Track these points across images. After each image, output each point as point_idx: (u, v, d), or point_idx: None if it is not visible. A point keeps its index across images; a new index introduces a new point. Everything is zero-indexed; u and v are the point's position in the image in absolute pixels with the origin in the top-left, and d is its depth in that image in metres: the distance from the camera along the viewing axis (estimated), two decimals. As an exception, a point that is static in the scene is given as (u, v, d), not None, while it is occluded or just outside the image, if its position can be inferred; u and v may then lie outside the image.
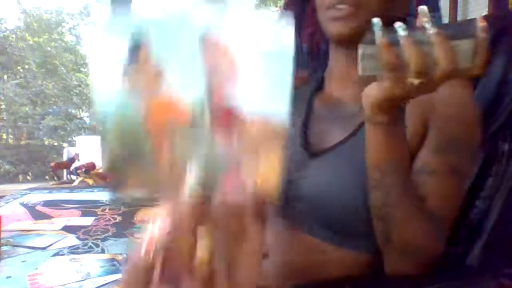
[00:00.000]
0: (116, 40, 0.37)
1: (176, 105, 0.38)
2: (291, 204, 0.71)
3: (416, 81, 0.47)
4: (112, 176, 0.38)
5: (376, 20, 0.49)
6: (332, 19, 0.64)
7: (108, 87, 0.37)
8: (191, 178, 0.35)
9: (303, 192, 0.67)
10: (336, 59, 0.68)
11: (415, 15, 0.59)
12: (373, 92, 0.53)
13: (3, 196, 1.74)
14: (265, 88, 0.39)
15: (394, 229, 0.58)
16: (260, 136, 0.39)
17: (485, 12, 1.82)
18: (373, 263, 0.65)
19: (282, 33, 0.39)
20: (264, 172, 0.39)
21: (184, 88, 0.38)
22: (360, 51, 0.52)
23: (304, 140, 0.71)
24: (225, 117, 0.39)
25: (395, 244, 0.59)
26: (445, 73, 0.46)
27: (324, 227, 0.68)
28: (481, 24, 0.47)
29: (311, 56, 0.82)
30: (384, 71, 0.49)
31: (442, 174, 0.60)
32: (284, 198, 0.71)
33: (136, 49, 0.38)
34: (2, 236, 1.03)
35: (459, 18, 1.88)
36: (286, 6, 0.75)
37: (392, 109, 0.53)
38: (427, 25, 0.48)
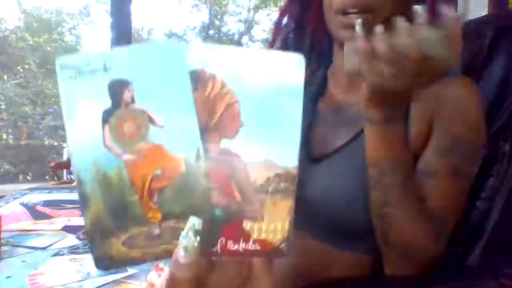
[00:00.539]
0: (92, 80, 0.32)
1: (166, 152, 0.33)
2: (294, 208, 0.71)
3: (386, 70, 0.47)
4: (94, 235, 0.33)
5: (359, 20, 0.49)
6: (343, 26, 0.63)
7: (85, 137, 0.32)
8: (187, 234, 0.30)
9: (306, 197, 0.67)
10: (340, 58, 0.69)
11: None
12: (363, 88, 0.54)
13: (3, 196, 1.73)
14: (270, 131, 0.34)
15: (393, 229, 0.58)
16: (265, 182, 0.34)
17: (485, 12, 1.81)
18: (375, 264, 0.65)
19: (291, 72, 0.34)
20: (270, 222, 0.34)
21: (176, 133, 0.33)
22: (345, 47, 0.53)
23: (307, 145, 0.70)
24: (224, 164, 0.33)
25: (394, 244, 0.59)
26: (414, 61, 0.45)
27: (327, 230, 0.68)
28: (454, 14, 0.45)
29: (313, 53, 0.81)
30: (360, 63, 0.49)
31: (444, 176, 0.60)
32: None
33: (118, 90, 0.33)
34: (2, 236, 1.03)
35: (459, 18, 1.87)
36: (290, 3, 0.74)
37: (385, 105, 0.53)
38: (399, 18, 0.48)
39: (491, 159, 0.72)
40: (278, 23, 0.75)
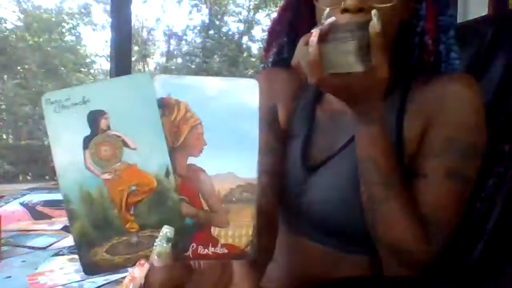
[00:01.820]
0: (73, 112, 0.37)
1: (140, 171, 0.38)
2: (294, 215, 0.71)
3: (309, 78, 0.52)
4: (81, 245, 0.38)
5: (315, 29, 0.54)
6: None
7: (70, 162, 0.37)
8: (160, 242, 0.35)
9: (306, 202, 0.68)
10: None
11: (425, 16, 0.61)
12: None
13: (3, 196, 1.73)
14: (231, 148, 0.38)
15: (380, 225, 0.58)
16: (228, 193, 0.38)
17: (485, 12, 1.81)
18: (375, 266, 0.65)
19: (247, 95, 0.38)
20: (236, 228, 0.38)
21: (147, 153, 0.38)
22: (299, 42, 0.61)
23: (305, 152, 0.71)
24: (191, 179, 0.38)
25: (382, 240, 0.59)
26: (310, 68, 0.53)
27: (327, 233, 0.68)
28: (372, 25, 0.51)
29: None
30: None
31: (437, 177, 0.60)
32: (288, 209, 0.71)
33: (96, 119, 0.38)
34: (2, 236, 1.03)
35: (459, 18, 1.88)
36: (282, 11, 0.75)
37: (352, 105, 0.56)
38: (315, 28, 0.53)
39: (491, 159, 0.72)
40: (271, 31, 0.75)
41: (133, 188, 0.38)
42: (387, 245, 0.60)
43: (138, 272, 0.33)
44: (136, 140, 0.38)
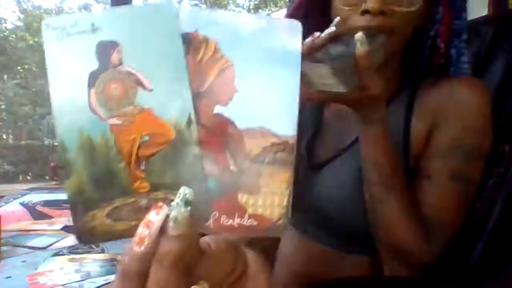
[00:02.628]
0: (79, 41, 0.30)
1: (155, 118, 0.31)
2: (296, 213, 0.71)
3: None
4: (77, 206, 0.30)
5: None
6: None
7: (70, 100, 0.30)
8: (177, 205, 0.27)
9: (309, 202, 0.67)
10: None
11: (441, 20, 0.61)
12: None
13: (3, 196, 1.73)
14: (266, 99, 0.32)
15: (382, 226, 0.58)
16: (261, 152, 0.31)
17: (485, 12, 1.81)
18: (375, 266, 0.65)
19: (288, 38, 0.32)
20: (268, 195, 0.32)
21: (166, 97, 0.31)
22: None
23: (311, 151, 0.71)
24: (217, 132, 0.32)
25: (383, 241, 0.59)
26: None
27: (330, 233, 0.68)
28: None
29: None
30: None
31: (441, 179, 0.60)
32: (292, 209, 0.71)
33: (106, 52, 0.31)
34: (2, 236, 1.03)
35: (459, 18, 1.87)
36: (296, 8, 0.74)
37: (352, 108, 0.56)
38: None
39: (491, 159, 0.72)
40: None
41: (146, 138, 0.31)
42: (388, 246, 0.60)
43: (155, 215, 0.27)
44: (154, 80, 0.31)
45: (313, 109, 0.74)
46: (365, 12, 0.57)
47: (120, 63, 0.31)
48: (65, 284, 0.83)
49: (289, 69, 0.32)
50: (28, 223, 1.31)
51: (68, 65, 0.31)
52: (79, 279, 0.85)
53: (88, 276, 0.86)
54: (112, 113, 0.31)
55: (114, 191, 0.31)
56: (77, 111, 0.30)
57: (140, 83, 0.31)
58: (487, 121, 0.62)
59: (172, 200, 0.28)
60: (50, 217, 1.40)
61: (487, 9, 1.86)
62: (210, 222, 0.31)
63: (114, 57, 0.31)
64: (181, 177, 0.31)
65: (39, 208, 1.54)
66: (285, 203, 0.33)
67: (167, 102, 0.31)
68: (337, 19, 0.56)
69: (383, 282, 0.63)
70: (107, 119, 0.31)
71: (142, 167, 0.31)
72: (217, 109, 0.31)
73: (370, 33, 0.54)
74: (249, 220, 0.31)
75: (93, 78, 0.31)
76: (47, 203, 1.60)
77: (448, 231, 0.60)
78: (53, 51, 0.30)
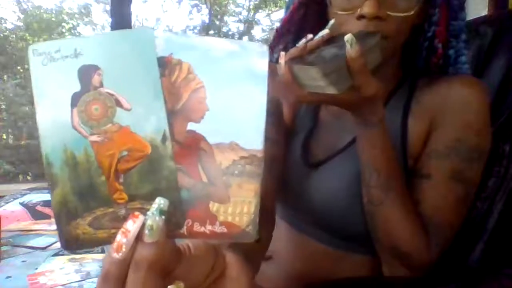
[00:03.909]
0: (62, 66, 0.33)
1: (133, 135, 0.34)
2: (294, 212, 0.71)
3: (285, 97, 0.56)
4: (61, 216, 0.33)
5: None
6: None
7: (55, 120, 0.33)
8: (153, 214, 0.30)
9: (307, 202, 0.67)
10: None
11: (437, 21, 0.61)
12: None
13: (3, 196, 1.73)
14: (236, 116, 0.35)
15: (380, 228, 0.58)
16: (231, 165, 0.34)
17: (485, 12, 1.81)
18: (375, 265, 0.65)
19: (257, 61, 0.35)
20: (237, 204, 0.34)
21: (143, 115, 0.33)
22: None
23: (307, 150, 0.70)
24: (190, 147, 0.34)
25: (382, 242, 0.59)
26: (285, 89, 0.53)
27: (329, 232, 0.68)
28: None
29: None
30: None
31: (440, 179, 0.60)
32: (288, 206, 0.71)
33: (88, 75, 0.33)
34: (2, 236, 1.03)
35: (459, 18, 1.87)
36: (294, 10, 0.73)
37: (348, 110, 0.56)
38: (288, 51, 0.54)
39: (491, 159, 0.72)
40: (280, 29, 0.74)
41: (124, 153, 0.34)
42: (387, 247, 0.60)
43: (131, 224, 0.29)
44: (131, 100, 0.33)
45: (309, 109, 0.74)
46: (361, 17, 0.57)
47: (101, 85, 0.34)
48: (65, 284, 0.83)
49: (257, 88, 0.35)
50: (28, 223, 1.31)
51: (52, 87, 0.33)
52: (79, 279, 0.85)
53: (88, 276, 0.86)
54: (93, 131, 0.34)
55: (95, 202, 0.33)
56: (61, 130, 0.34)
57: (119, 103, 0.34)
58: (487, 120, 0.62)
59: (148, 211, 0.30)
60: (50, 217, 1.40)
61: (487, 9, 1.87)
62: (184, 229, 0.34)
63: (95, 80, 0.33)
64: (156, 188, 0.33)
65: (39, 208, 1.54)
66: (252, 211, 0.35)
67: (144, 120, 0.34)
68: (332, 21, 0.56)
69: (383, 282, 0.63)
70: (89, 136, 0.34)
71: (121, 180, 0.34)
72: (190, 126, 0.34)
73: (365, 33, 0.54)
74: (220, 227, 0.34)
75: (75, 99, 0.33)
76: (47, 203, 1.60)
77: (447, 232, 0.60)
78: (39, 75, 0.33)
